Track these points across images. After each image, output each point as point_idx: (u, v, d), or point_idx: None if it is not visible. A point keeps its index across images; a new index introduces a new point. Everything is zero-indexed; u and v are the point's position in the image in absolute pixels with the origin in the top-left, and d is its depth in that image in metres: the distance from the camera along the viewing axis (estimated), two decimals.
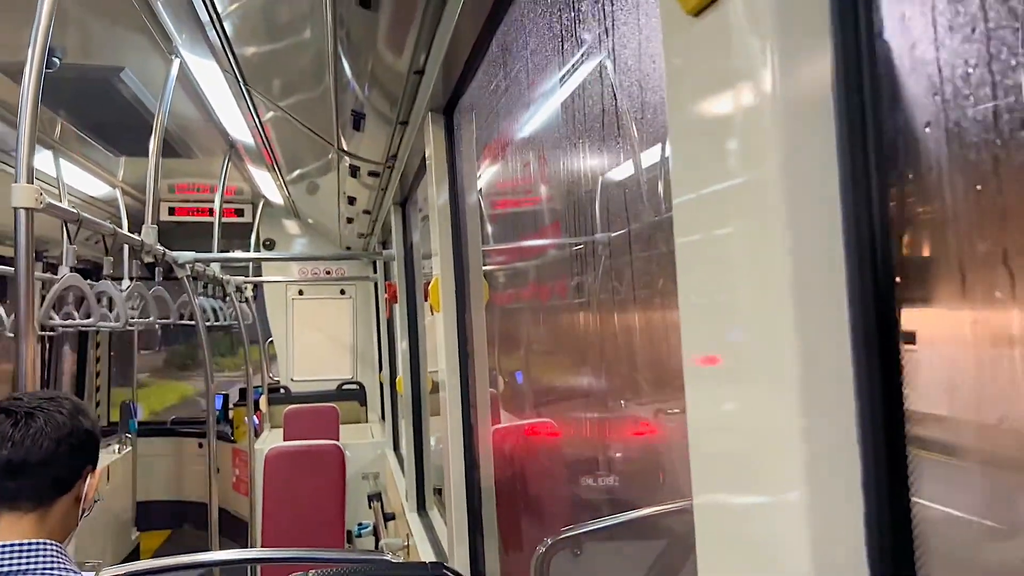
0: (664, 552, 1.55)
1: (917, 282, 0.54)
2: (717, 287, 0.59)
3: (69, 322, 3.08)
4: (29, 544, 1.36)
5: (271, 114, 3.34)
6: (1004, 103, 0.45)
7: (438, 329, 2.18)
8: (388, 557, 2.12)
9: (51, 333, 4.90)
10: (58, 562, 1.38)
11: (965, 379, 0.54)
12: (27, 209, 1.95)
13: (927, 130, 0.52)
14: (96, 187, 5.29)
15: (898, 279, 0.52)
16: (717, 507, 0.60)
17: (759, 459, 0.55)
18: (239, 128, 3.95)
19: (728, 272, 0.57)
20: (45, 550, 1.37)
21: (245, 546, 5.57)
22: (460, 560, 2.14)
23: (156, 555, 6.90)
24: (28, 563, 1.35)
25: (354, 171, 3.30)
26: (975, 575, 0.55)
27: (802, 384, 0.51)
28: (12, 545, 1.35)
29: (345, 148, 3.08)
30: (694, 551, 0.63)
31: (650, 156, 1.82)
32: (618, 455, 2.49)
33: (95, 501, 1.54)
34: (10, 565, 1.33)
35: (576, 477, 2.88)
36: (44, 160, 4.40)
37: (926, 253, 0.54)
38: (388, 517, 4.39)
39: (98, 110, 3.91)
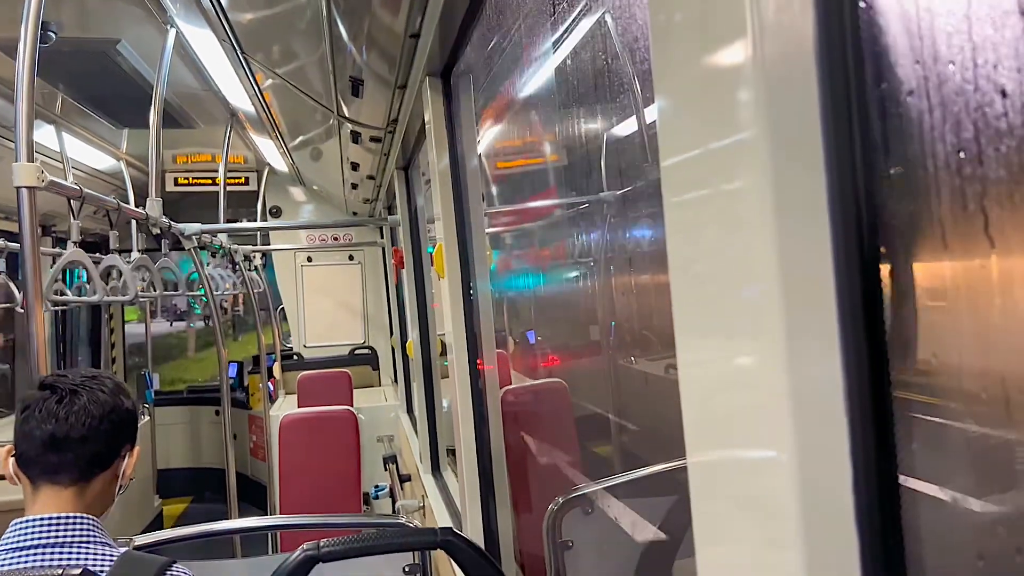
0: (673, 508, 1.57)
1: (901, 239, 0.53)
2: (705, 248, 0.59)
3: (76, 298, 3.10)
4: (67, 517, 1.40)
5: (270, 81, 3.32)
6: (987, 64, 0.44)
7: (443, 294, 2.18)
8: (403, 520, 2.15)
9: (62, 308, 4.94)
10: (94, 535, 1.41)
11: (949, 331, 0.54)
12: (29, 188, 1.95)
13: (910, 91, 0.52)
14: (101, 160, 5.29)
15: (882, 237, 0.52)
16: (709, 464, 0.61)
17: (749, 416, 0.55)
18: (239, 96, 3.93)
19: (715, 232, 0.57)
20: (82, 523, 1.41)
21: (265, 510, 5.67)
22: (473, 520, 2.17)
23: (178, 522, 7.04)
24: (66, 536, 1.39)
25: (355, 137, 3.28)
26: (960, 520, 0.56)
27: (789, 341, 0.51)
28: (51, 517, 1.39)
29: (345, 114, 3.06)
30: None
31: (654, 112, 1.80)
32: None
33: (131, 479, 1.57)
34: (48, 536, 1.37)
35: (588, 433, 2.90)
36: (47, 134, 4.40)
37: (910, 210, 0.54)
38: (404, 479, 4.45)
39: (98, 83, 3.89)
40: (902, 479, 0.52)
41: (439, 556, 2.32)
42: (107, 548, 1.42)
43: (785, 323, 0.51)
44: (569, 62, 1.96)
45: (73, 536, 1.39)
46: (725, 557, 0.61)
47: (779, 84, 0.51)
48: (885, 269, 0.52)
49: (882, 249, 0.52)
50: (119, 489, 1.54)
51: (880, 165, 0.52)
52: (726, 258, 0.56)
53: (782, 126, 0.52)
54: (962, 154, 0.48)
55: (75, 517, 1.40)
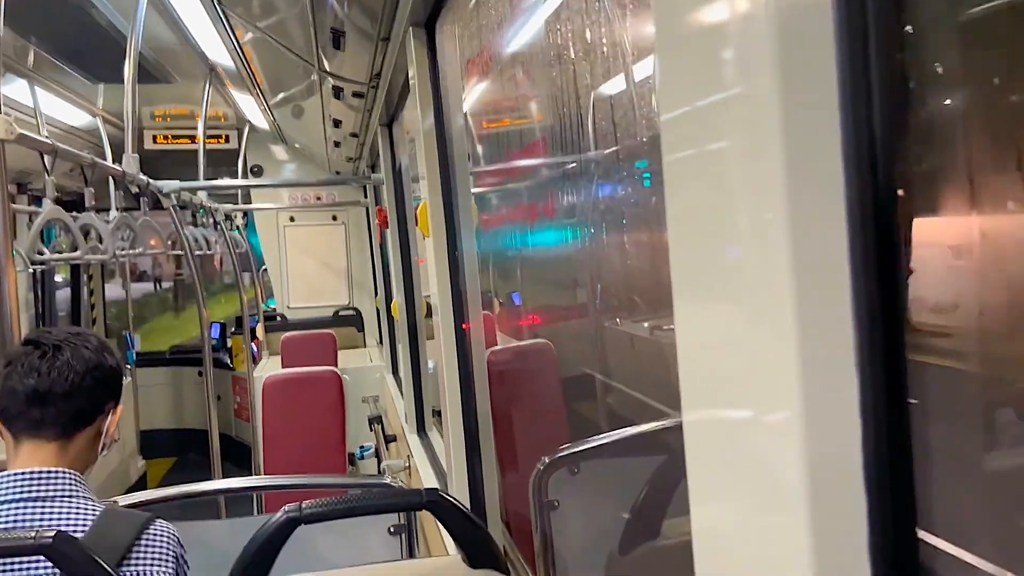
0: (661, 467, 1.56)
1: (920, 195, 0.50)
2: (707, 205, 0.56)
3: (56, 256, 3.04)
4: (50, 472, 1.39)
5: (250, 35, 3.23)
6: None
7: (428, 254, 2.15)
8: (389, 480, 2.14)
9: (41, 267, 4.86)
10: (77, 491, 1.40)
11: (967, 290, 0.52)
12: None
13: (933, 36, 0.48)
14: (76, 116, 5.17)
15: (900, 192, 0.49)
16: (707, 424, 0.59)
17: (753, 377, 0.53)
18: (218, 51, 3.83)
19: (719, 190, 0.54)
20: (65, 478, 1.39)
21: (250, 470, 5.67)
22: (459, 481, 2.16)
23: (162, 483, 7.04)
24: (48, 490, 1.37)
25: (337, 92, 3.21)
26: (972, 480, 0.54)
27: (798, 301, 0.49)
28: (33, 472, 1.38)
29: (327, 68, 2.99)
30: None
31: (643, 69, 1.76)
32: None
33: (114, 440, 1.56)
34: (30, 491, 1.36)
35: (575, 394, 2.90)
36: (20, 90, 4.28)
37: (929, 166, 0.51)
38: (389, 439, 4.45)
39: (71, 35, 3.78)
40: (914, 441, 0.50)
41: (424, 516, 2.31)
42: (89, 503, 1.40)
43: (795, 282, 0.48)
44: (560, 15, 1.91)
45: (55, 490, 1.38)
46: (721, 516, 0.59)
47: (791, 30, 0.48)
48: (902, 225, 0.49)
49: (899, 203, 0.49)
50: (102, 448, 1.53)
51: (899, 117, 0.49)
52: (730, 217, 0.54)
53: (794, 76, 0.48)
54: (985, 103, 0.45)
55: (57, 472, 1.39)
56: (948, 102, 0.49)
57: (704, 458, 0.59)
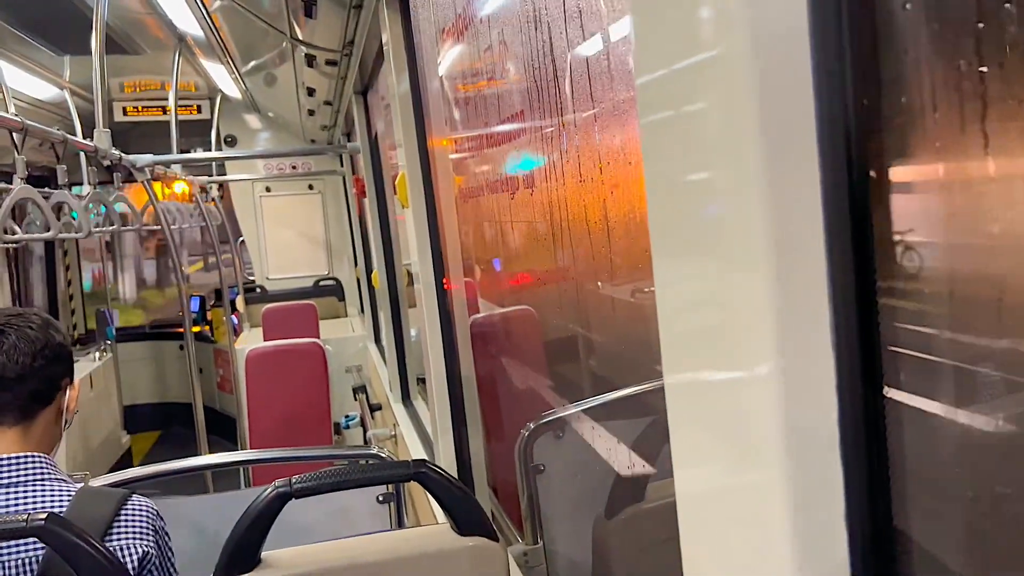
0: (646, 429, 1.58)
1: (892, 151, 0.51)
2: (684, 165, 0.56)
3: (28, 235, 2.99)
4: (17, 457, 1.38)
5: (218, 3, 3.16)
6: None
7: (408, 223, 2.14)
8: (375, 450, 2.15)
9: (13, 246, 4.79)
10: (48, 472, 1.39)
11: (940, 249, 0.53)
12: None
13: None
14: (43, 89, 5.05)
15: (873, 150, 0.49)
16: (688, 385, 0.60)
17: (730, 333, 0.54)
18: (186, 20, 3.74)
19: (696, 149, 0.55)
20: (34, 461, 1.39)
21: (235, 442, 5.68)
22: (445, 448, 2.18)
23: (148, 456, 7.04)
24: (19, 475, 1.37)
25: (310, 60, 3.16)
26: (947, 441, 0.55)
27: (774, 258, 0.49)
28: (0, 459, 1.36)
29: (299, 37, 2.94)
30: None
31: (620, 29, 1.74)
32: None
33: (75, 413, 1.55)
34: (1, 479, 1.35)
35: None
36: None
37: (904, 128, 0.51)
38: (374, 408, 4.46)
39: (34, 6, 3.68)
40: (888, 395, 0.51)
41: (413, 484, 2.33)
42: (63, 484, 1.40)
43: (771, 239, 0.49)
44: None
45: (26, 475, 1.37)
46: (704, 477, 0.60)
47: None
48: (875, 184, 0.50)
49: (873, 163, 0.49)
50: (65, 424, 1.52)
51: (870, 76, 0.49)
52: (706, 174, 0.54)
53: (767, 38, 0.48)
54: (962, 66, 0.45)
55: (25, 456, 1.38)
56: (921, 62, 0.50)
57: (685, 418, 0.60)
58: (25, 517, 1.12)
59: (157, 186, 4.99)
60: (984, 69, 0.45)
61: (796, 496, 0.50)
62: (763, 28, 0.48)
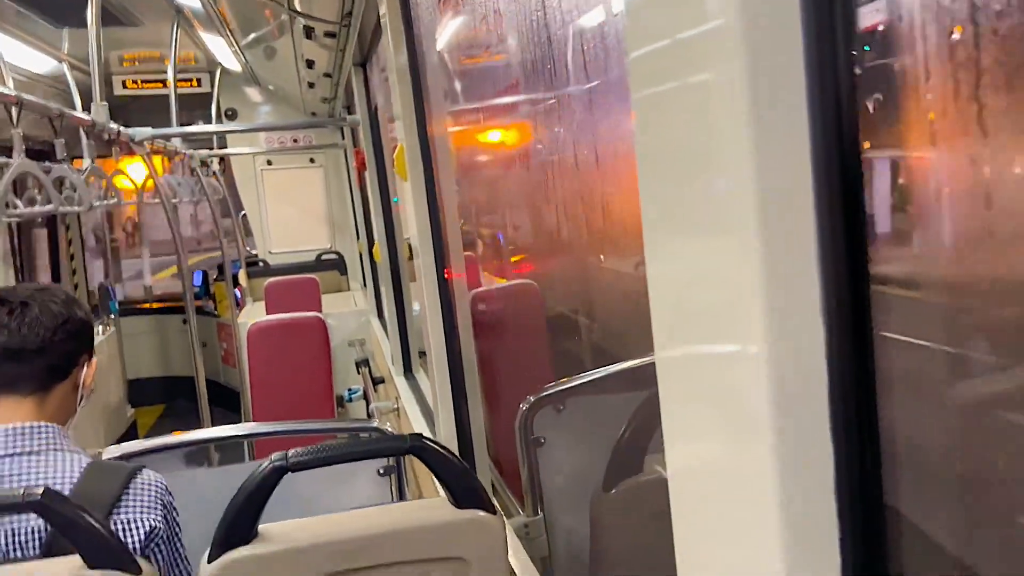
0: (642, 404, 1.58)
1: (886, 132, 0.50)
2: (676, 141, 0.56)
3: (29, 209, 2.98)
4: (31, 426, 1.39)
5: None
6: None
7: (406, 197, 2.13)
8: (377, 423, 2.16)
9: (16, 220, 4.78)
10: (60, 444, 1.41)
11: (932, 231, 0.52)
12: None
13: None
14: (41, 62, 5.01)
15: (864, 131, 0.49)
16: (679, 359, 0.60)
17: (722, 309, 0.54)
18: None
19: (687, 126, 0.54)
20: (47, 432, 1.40)
21: (239, 415, 5.71)
22: (446, 422, 2.19)
23: (152, 430, 7.09)
24: (32, 445, 1.38)
25: (309, 32, 3.13)
26: (934, 409, 0.55)
27: (764, 233, 0.49)
28: (14, 427, 1.38)
29: (297, 8, 2.91)
30: None
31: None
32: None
33: (92, 390, 1.56)
34: (13, 446, 1.37)
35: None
36: None
37: (895, 106, 0.51)
38: (377, 381, 4.48)
39: None
40: (878, 372, 0.51)
41: (414, 458, 2.35)
42: (75, 456, 1.42)
43: (762, 215, 0.49)
44: None
45: (40, 445, 1.39)
46: (694, 453, 0.60)
47: None
48: (867, 164, 0.49)
49: (864, 143, 0.49)
50: (80, 400, 1.54)
51: (862, 53, 0.48)
52: (697, 150, 0.54)
53: (760, 13, 0.48)
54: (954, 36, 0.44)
55: (38, 426, 1.40)
56: (914, 46, 0.49)
57: (676, 394, 0.61)
58: (22, 491, 1.13)
59: (156, 160, 4.97)
60: (977, 47, 0.44)
61: (785, 472, 0.50)
62: (756, 3, 0.48)
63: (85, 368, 1.52)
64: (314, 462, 1.17)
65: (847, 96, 0.48)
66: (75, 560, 1.17)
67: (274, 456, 1.19)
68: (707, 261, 0.54)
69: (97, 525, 1.15)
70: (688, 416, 0.60)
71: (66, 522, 1.14)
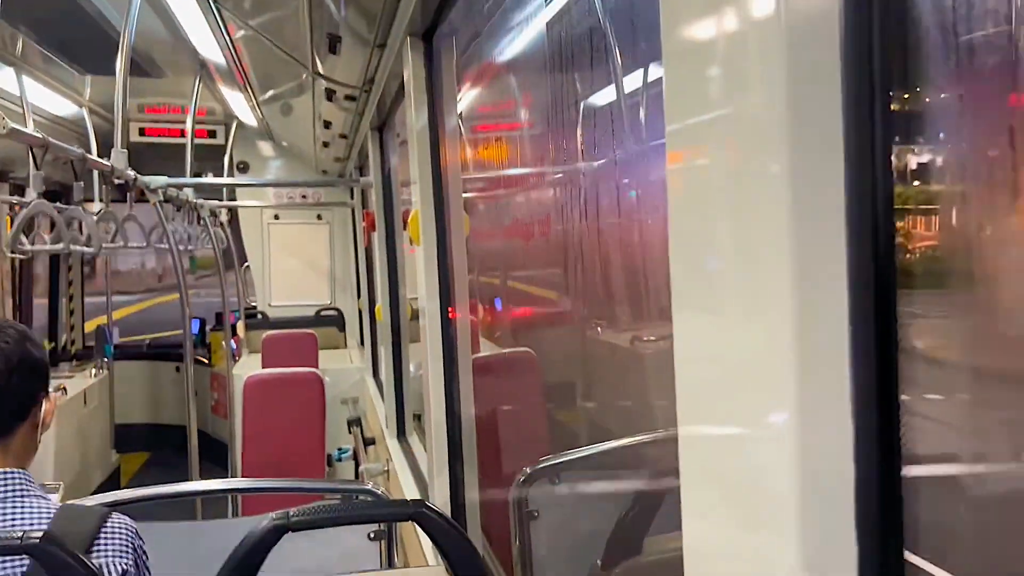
0: (645, 482, 1.57)
1: (919, 220, 0.52)
2: (710, 217, 0.58)
3: (40, 247, 3.01)
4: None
5: (242, 33, 3.22)
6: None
7: (418, 262, 2.15)
8: (370, 486, 2.14)
9: (22, 257, 4.81)
10: (29, 490, 1.39)
11: (964, 332, 0.53)
12: None
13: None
14: (62, 106, 5.11)
15: (896, 218, 0.50)
16: (703, 437, 0.60)
17: (749, 392, 0.54)
18: (209, 47, 3.80)
19: (722, 203, 0.56)
20: (14, 478, 1.38)
21: (226, 469, 5.63)
22: (440, 489, 2.17)
23: (136, 477, 6.97)
24: (2, 492, 1.36)
25: (330, 95, 3.21)
26: (962, 507, 0.55)
27: (796, 314, 0.50)
28: None
29: (320, 71, 2.99)
30: (673, 480, 0.63)
31: (633, 81, 1.78)
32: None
33: (49, 425, 1.53)
34: None
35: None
36: (6, 78, 4.23)
37: (930, 196, 0.53)
38: (368, 442, 4.43)
39: (61, 26, 3.74)
40: (906, 464, 0.51)
41: (406, 523, 2.31)
42: (42, 501, 1.40)
43: (794, 297, 0.50)
44: (554, 27, 1.92)
45: (8, 491, 1.36)
46: (713, 531, 0.60)
47: (800, 44, 0.49)
48: (900, 252, 0.51)
49: (893, 224, 0.50)
50: (39, 435, 1.50)
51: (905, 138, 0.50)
52: (733, 231, 0.55)
53: (797, 94, 0.50)
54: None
55: (6, 472, 1.38)
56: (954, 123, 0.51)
57: (698, 471, 0.60)
58: (20, 534, 1.12)
59: None
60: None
61: (807, 558, 0.50)
62: (795, 79, 0.49)
63: (44, 406, 1.48)
64: (316, 522, 1.16)
65: (883, 188, 0.50)
66: None
67: (274, 515, 1.18)
68: (737, 341, 0.55)
69: (93, 570, 1.14)
70: (709, 494, 0.60)
71: (62, 568, 1.13)
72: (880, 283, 0.50)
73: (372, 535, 1.91)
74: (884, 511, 0.51)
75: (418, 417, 3.59)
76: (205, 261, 9.26)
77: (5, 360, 1.39)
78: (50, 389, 1.52)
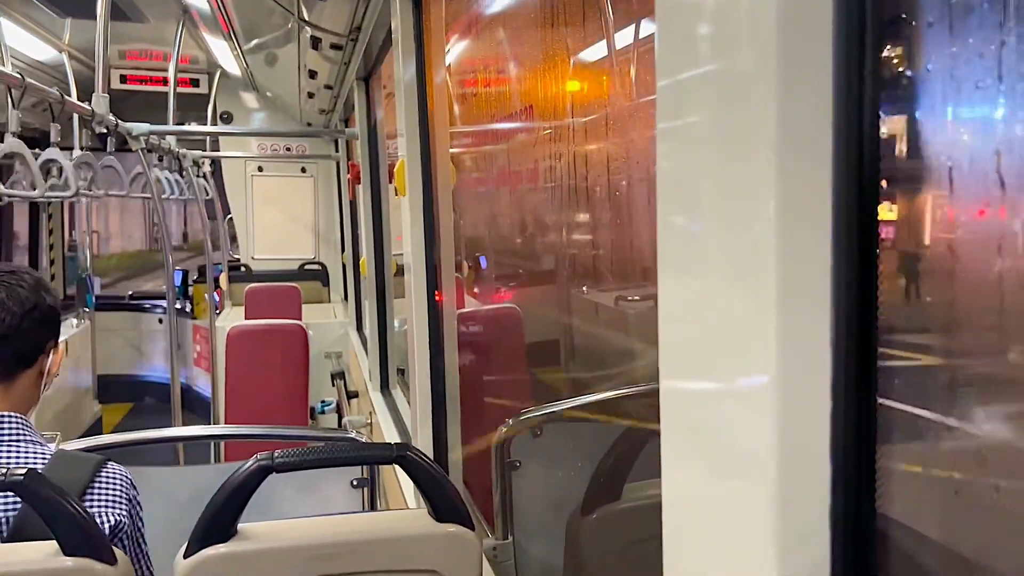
0: (624, 432, 1.60)
1: (904, 182, 0.53)
2: (698, 180, 0.58)
3: (16, 192, 2.96)
4: None
5: None
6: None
7: (404, 213, 2.14)
8: (352, 435, 2.15)
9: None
10: (23, 433, 1.39)
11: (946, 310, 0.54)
12: None
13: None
14: (41, 50, 5.00)
15: (884, 187, 0.51)
16: (683, 392, 0.61)
17: (731, 349, 0.55)
18: None
19: (706, 165, 0.56)
20: (11, 421, 1.38)
21: (208, 420, 5.65)
22: (424, 439, 2.19)
23: (118, 428, 6.99)
24: None
25: (315, 43, 3.16)
26: (933, 460, 0.57)
27: (779, 274, 0.51)
28: None
29: (306, 18, 2.94)
30: (654, 428, 0.64)
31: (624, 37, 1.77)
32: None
33: (55, 376, 1.53)
34: None
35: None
36: None
37: (915, 163, 0.53)
38: (351, 395, 4.45)
39: None
40: (880, 418, 0.52)
41: (386, 472, 2.34)
42: (38, 447, 1.40)
43: (778, 260, 0.51)
44: None
45: (4, 434, 1.36)
46: (691, 482, 0.61)
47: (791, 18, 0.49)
48: (884, 212, 0.51)
49: (879, 195, 0.51)
50: (44, 386, 1.50)
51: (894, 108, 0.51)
52: (721, 191, 0.55)
53: (788, 52, 0.50)
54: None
55: (4, 415, 1.37)
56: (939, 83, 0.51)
57: (678, 423, 0.61)
58: (4, 472, 1.12)
59: None
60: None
61: (782, 509, 0.51)
62: (785, 40, 0.50)
63: (51, 356, 1.48)
64: (300, 464, 1.18)
65: (870, 150, 0.50)
66: (50, 546, 1.16)
67: (260, 455, 1.19)
68: (720, 300, 0.56)
69: (79, 512, 1.15)
70: (688, 446, 0.61)
71: (47, 506, 1.13)
72: (863, 246, 0.51)
73: (355, 482, 1.93)
74: (859, 467, 0.52)
75: (401, 372, 3.61)
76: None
77: (20, 303, 1.39)
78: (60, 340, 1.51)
